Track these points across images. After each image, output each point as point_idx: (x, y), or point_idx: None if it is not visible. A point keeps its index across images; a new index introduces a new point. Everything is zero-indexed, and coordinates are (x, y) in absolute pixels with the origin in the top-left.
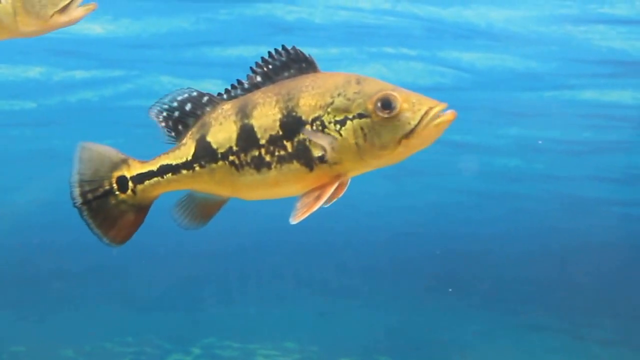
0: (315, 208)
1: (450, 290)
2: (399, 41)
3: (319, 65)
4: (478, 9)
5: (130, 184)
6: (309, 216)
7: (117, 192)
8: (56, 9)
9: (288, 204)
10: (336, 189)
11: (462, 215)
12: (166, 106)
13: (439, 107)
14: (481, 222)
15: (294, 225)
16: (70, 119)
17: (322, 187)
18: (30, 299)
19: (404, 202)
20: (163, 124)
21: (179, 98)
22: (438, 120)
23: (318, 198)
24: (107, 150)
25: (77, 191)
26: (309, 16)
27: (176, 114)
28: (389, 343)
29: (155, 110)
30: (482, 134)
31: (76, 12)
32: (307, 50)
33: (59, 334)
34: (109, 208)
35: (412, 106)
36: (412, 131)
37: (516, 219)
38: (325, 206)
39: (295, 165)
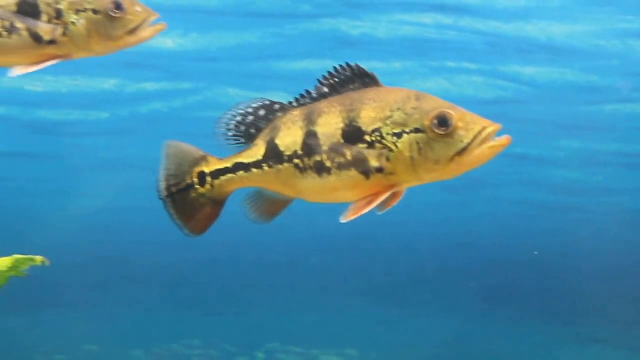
0: (365, 211)
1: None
2: (460, 55)
3: (381, 80)
4: (539, 24)
5: (209, 179)
6: (365, 222)
7: (197, 186)
8: (126, 30)
9: (354, 222)
10: (391, 198)
11: (521, 226)
12: (242, 111)
13: (493, 127)
14: (539, 233)
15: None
16: (141, 128)
17: (377, 195)
18: (102, 301)
19: (463, 213)
20: (235, 128)
21: (254, 105)
22: (493, 143)
23: (370, 203)
24: (189, 148)
25: (163, 185)
26: (372, 31)
27: (250, 118)
28: (447, 352)
29: (230, 115)
30: (541, 147)
31: (145, 32)
32: (370, 64)
33: (129, 335)
34: (189, 201)
35: (467, 125)
36: (464, 149)
37: (575, 231)
38: (379, 213)
39: (353, 172)
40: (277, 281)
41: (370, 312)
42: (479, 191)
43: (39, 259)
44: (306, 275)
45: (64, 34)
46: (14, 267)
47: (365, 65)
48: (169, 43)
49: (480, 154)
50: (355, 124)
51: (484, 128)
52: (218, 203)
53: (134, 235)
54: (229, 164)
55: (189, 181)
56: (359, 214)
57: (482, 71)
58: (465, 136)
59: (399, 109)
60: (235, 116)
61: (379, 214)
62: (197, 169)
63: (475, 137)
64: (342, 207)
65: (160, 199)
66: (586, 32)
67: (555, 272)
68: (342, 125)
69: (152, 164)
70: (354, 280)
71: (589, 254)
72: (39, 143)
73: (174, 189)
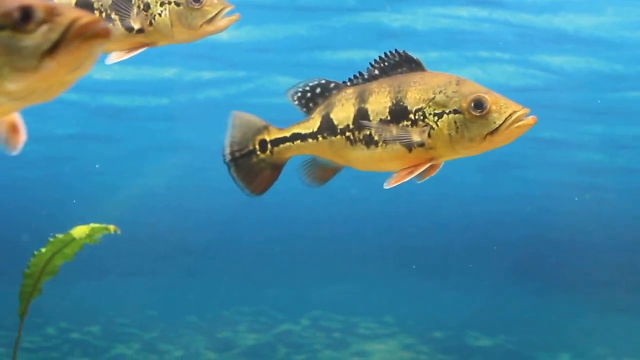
0: (407, 179)
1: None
2: (493, 46)
3: (425, 65)
4: (567, 15)
5: (269, 146)
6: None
7: (258, 152)
8: (204, 20)
9: (393, 199)
10: (430, 169)
11: (548, 205)
12: (301, 88)
13: (523, 111)
14: (566, 212)
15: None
16: (198, 114)
17: (417, 166)
18: (162, 271)
19: (494, 192)
20: (296, 102)
21: (311, 83)
22: (520, 123)
23: (411, 172)
24: (252, 118)
25: (227, 150)
26: (412, 23)
27: (308, 94)
28: (478, 320)
29: (292, 91)
30: (568, 131)
31: (221, 22)
32: (410, 53)
33: (184, 301)
34: (251, 165)
35: (499, 108)
36: (496, 129)
37: (599, 209)
38: (418, 181)
39: (398, 146)
40: (320, 254)
41: (406, 283)
42: (509, 172)
43: (112, 227)
44: (347, 249)
45: (151, 24)
46: (90, 234)
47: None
48: (224, 35)
49: (510, 133)
50: (401, 103)
51: (514, 111)
52: (276, 167)
53: (191, 212)
54: (287, 134)
55: (251, 147)
56: (401, 181)
57: (513, 60)
58: (497, 118)
59: (440, 92)
60: (296, 92)
61: (419, 182)
62: (259, 137)
63: (506, 119)
64: (384, 178)
65: (225, 162)
66: (611, 23)
67: (578, 247)
68: (389, 103)
69: (208, 146)
70: (390, 253)
71: (611, 229)
72: (105, 126)
73: (237, 154)
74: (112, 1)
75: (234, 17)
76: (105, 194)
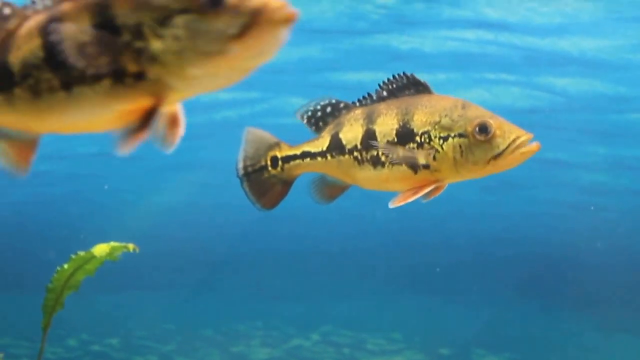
0: (411, 200)
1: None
2: (499, 68)
3: (432, 88)
4: (571, 38)
5: (280, 162)
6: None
7: (269, 168)
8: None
9: (401, 217)
10: (434, 190)
11: (552, 224)
12: (312, 108)
13: (526, 137)
14: (569, 231)
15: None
16: (215, 133)
17: (422, 187)
18: (178, 284)
19: (499, 211)
20: (306, 121)
21: (322, 103)
22: (523, 149)
23: (415, 193)
24: (265, 135)
25: (240, 164)
26: (420, 46)
27: (318, 114)
28: (484, 337)
29: (302, 110)
30: (573, 152)
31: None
32: (418, 76)
33: (201, 315)
34: (262, 180)
35: (504, 133)
36: (500, 154)
37: (603, 228)
38: (423, 201)
39: (404, 167)
40: (330, 271)
41: (414, 300)
42: (515, 191)
43: (131, 246)
44: (356, 266)
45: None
46: (110, 252)
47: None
48: None
49: (513, 158)
50: (408, 125)
51: (518, 137)
52: (287, 183)
53: (206, 228)
54: (297, 151)
55: (263, 163)
56: (406, 202)
57: (518, 82)
58: (501, 143)
59: (446, 116)
60: (307, 111)
61: (424, 202)
62: (271, 153)
63: (509, 145)
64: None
65: (238, 177)
66: (615, 46)
67: (583, 266)
68: (397, 125)
69: (224, 165)
70: (399, 271)
71: (615, 249)
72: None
73: (250, 169)
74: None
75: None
76: (126, 210)
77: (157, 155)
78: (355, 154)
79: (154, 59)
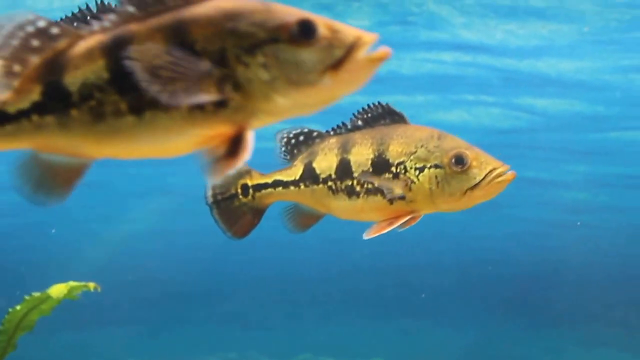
0: (386, 231)
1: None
2: (478, 89)
3: (406, 114)
4: (549, 60)
5: (251, 190)
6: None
7: (240, 196)
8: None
9: (380, 244)
10: (409, 220)
11: (534, 242)
12: (285, 135)
13: (502, 168)
14: (551, 248)
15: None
16: (185, 158)
17: (397, 218)
18: (145, 317)
19: (481, 231)
20: (283, 148)
21: (295, 131)
22: (500, 179)
23: (391, 224)
24: None
25: (210, 192)
26: (398, 68)
27: (292, 141)
28: (469, 357)
29: (279, 136)
30: (553, 171)
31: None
32: (395, 98)
33: (170, 349)
34: (233, 208)
35: (480, 164)
36: (477, 185)
37: (584, 246)
38: (399, 230)
39: (379, 198)
40: (307, 296)
41: (395, 323)
42: (496, 211)
43: (92, 285)
44: (335, 290)
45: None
46: (68, 293)
47: (391, 99)
48: None
49: (489, 189)
50: (383, 155)
51: (494, 168)
52: (258, 212)
53: (172, 256)
54: (269, 180)
55: (233, 191)
56: (381, 233)
57: (498, 103)
58: (477, 174)
59: (422, 146)
60: (283, 138)
61: (399, 231)
62: (241, 181)
63: (486, 176)
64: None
65: (207, 204)
66: (592, 67)
67: (564, 283)
68: (372, 155)
69: (192, 191)
70: (381, 294)
71: (594, 266)
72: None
73: (219, 197)
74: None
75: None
76: (89, 240)
77: (122, 181)
78: (330, 183)
79: (238, 86)
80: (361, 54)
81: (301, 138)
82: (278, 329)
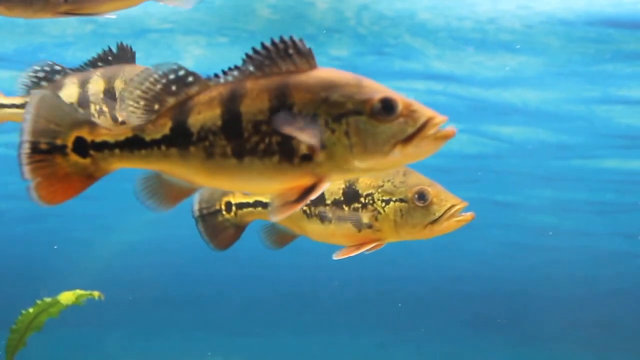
0: (354, 254)
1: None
2: (448, 116)
3: None
4: (515, 90)
5: (234, 208)
6: (366, 261)
7: (223, 212)
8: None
9: (361, 263)
10: (375, 246)
11: (501, 263)
12: None
13: (461, 205)
14: (520, 269)
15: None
16: None
17: (363, 244)
18: (138, 322)
19: (450, 252)
20: None
21: None
22: (457, 218)
23: (358, 249)
24: None
25: (196, 207)
26: None
27: None
28: None
29: None
30: (519, 195)
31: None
32: None
33: (160, 350)
34: (216, 223)
35: (440, 201)
36: (436, 220)
37: (549, 267)
38: (366, 253)
39: (348, 225)
40: (290, 308)
41: (371, 337)
42: (465, 232)
43: (96, 294)
44: (315, 304)
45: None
46: (75, 299)
47: None
48: None
49: (448, 225)
50: (354, 187)
51: (453, 205)
52: (239, 228)
53: (166, 267)
54: (250, 200)
55: (217, 207)
56: (349, 255)
57: (466, 130)
58: (437, 210)
59: (389, 181)
60: None
61: (367, 253)
62: (226, 199)
63: (445, 212)
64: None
65: (193, 217)
66: (556, 98)
67: (531, 302)
68: (343, 186)
69: (184, 204)
70: (356, 309)
71: (560, 287)
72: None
73: (205, 211)
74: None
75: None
76: (86, 249)
77: (116, 196)
78: (305, 208)
79: (323, 146)
80: (430, 132)
81: None
82: (261, 336)
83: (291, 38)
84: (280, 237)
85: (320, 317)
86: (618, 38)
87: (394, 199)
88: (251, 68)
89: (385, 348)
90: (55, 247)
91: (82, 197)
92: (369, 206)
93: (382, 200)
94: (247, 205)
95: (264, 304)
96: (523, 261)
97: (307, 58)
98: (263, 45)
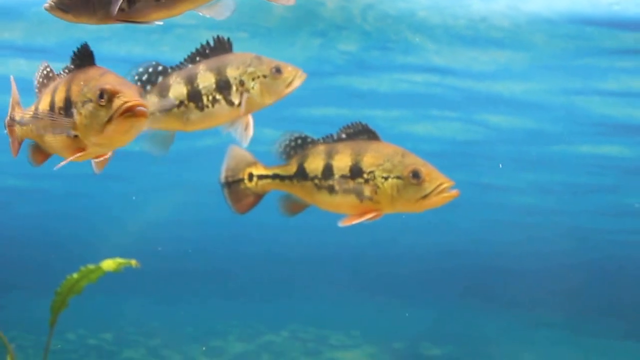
0: (356, 222)
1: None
2: (443, 106)
3: (382, 123)
4: (504, 82)
5: (255, 178)
6: (368, 233)
7: (246, 181)
8: (286, 84)
9: (367, 234)
10: (374, 216)
11: (489, 238)
12: (287, 138)
13: (448, 183)
14: (504, 244)
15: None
16: (197, 159)
17: (365, 213)
18: (165, 290)
19: (444, 228)
20: (283, 148)
21: (295, 135)
22: (445, 195)
23: (359, 217)
24: (246, 154)
25: (223, 174)
26: (377, 86)
27: (292, 144)
28: (431, 333)
29: (282, 139)
30: (505, 178)
31: (297, 82)
32: (374, 112)
33: (183, 315)
34: (239, 190)
35: (431, 180)
36: (427, 195)
37: (531, 243)
38: (366, 222)
39: (352, 196)
40: (298, 276)
41: (371, 303)
42: (456, 211)
43: (134, 262)
44: (320, 273)
45: (376, 192)
46: (116, 267)
47: (371, 113)
48: None
49: (436, 200)
50: (359, 164)
51: (442, 183)
52: (258, 196)
53: (188, 241)
54: (270, 172)
55: (240, 176)
56: (351, 223)
57: (459, 118)
58: (428, 187)
59: (388, 160)
60: (284, 140)
61: (366, 222)
62: (248, 170)
63: (434, 189)
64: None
65: (219, 183)
66: (540, 89)
67: (515, 273)
68: (350, 163)
69: (204, 186)
70: (358, 277)
71: (542, 259)
72: (117, 167)
73: (230, 179)
74: (215, 84)
75: (303, 75)
76: (117, 225)
77: (144, 177)
78: (316, 181)
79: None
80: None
81: (299, 142)
82: (272, 302)
83: None
84: (294, 206)
85: (325, 285)
86: (596, 35)
87: (391, 175)
88: None
89: (384, 312)
90: (134, 198)
91: (113, 178)
92: (371, 181)
93: (382, 177)
94: (267, 177)
95: (277, 272)
96: (507, 237)
97: None
98: None
